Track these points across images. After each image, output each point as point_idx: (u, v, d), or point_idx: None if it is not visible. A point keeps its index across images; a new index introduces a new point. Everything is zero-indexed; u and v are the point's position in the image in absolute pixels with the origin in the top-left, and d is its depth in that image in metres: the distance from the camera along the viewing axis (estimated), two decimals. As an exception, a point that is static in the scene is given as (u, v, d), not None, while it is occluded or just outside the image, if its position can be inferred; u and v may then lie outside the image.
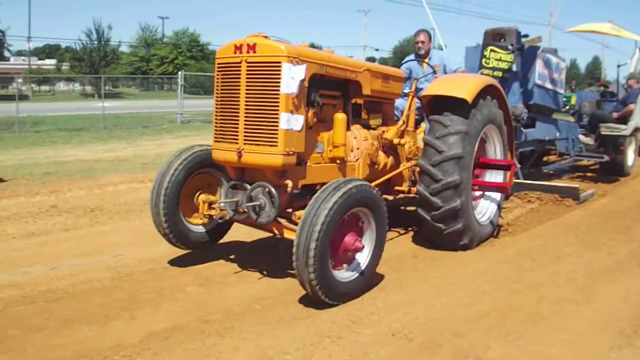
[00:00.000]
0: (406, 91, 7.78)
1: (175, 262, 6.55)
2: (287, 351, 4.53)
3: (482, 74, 10.09)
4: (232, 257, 6.80)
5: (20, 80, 46.82)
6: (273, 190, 5.60)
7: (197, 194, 6.49)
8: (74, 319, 5.08)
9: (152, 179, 11.58)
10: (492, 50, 10.52)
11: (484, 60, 10.57)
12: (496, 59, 10.47)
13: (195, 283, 6.03)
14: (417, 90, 7.89)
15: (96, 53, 60.50)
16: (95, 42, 61.24)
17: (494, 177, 8.22)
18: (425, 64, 8.88)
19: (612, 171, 13.55)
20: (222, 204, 6.12)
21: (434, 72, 8.58)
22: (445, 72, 8.89)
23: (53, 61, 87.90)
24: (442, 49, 11.60)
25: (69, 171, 12.89)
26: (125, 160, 15.03)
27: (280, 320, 5.13)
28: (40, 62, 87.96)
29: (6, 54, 69.07)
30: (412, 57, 9.33)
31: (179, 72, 31.35)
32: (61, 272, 6.31)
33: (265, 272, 6.31)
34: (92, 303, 5.45)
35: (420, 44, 9.03)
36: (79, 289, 5.83)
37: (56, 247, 7.27)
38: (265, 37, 5.71)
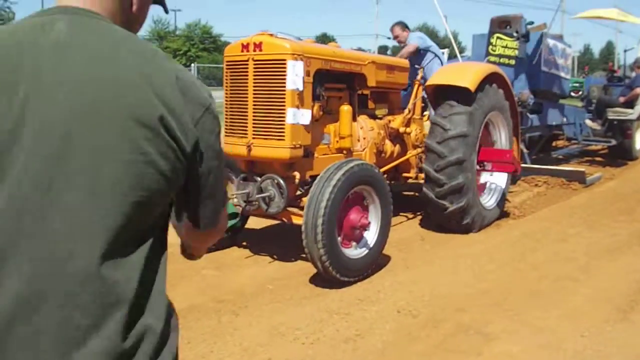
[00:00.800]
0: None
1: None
2: (298, 327, 4.79)
3: (488, 61, 10.26)
4: (244, 243, 7.05)
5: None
6: (282, 181, 5.87)
7: None
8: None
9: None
10: (498, 38, 10.68)
11: (490, 47, 10.73)
12: (502, 46, 10.64)
13: (210, 267, 6.30)
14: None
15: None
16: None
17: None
18: None
19: (620, 155, 13.67)
20: (234, 197, 6.40)
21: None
22: (420, 50, 9.08)
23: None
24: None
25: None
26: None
27: (291, 299, 5.40)
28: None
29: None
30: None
31: (192, 65, 31.62)
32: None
33: (276, 256, 6.57)
34: (113, 285, 5.72)
35: (396, 38, 9.41)
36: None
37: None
38: (271, 35, 5.99)
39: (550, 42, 11.42)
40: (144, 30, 76.76)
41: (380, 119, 7.48)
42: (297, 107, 5.80)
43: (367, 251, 5.91)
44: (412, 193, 9.39)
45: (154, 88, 1.41)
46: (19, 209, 1.34)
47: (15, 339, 1.33)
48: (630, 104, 13.30)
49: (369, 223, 5.92)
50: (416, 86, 7.92)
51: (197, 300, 5.38)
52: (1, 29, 1.51)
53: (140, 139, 1.39)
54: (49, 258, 1.34)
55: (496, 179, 8.27)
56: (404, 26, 9.48)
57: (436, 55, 8.96)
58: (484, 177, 8.21)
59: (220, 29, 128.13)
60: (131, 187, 1.38)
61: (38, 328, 1.33)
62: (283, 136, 5.81)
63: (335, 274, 5.50)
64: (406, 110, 7.70)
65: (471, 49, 12.06)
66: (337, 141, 6.58)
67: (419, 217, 8.33)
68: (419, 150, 7.72)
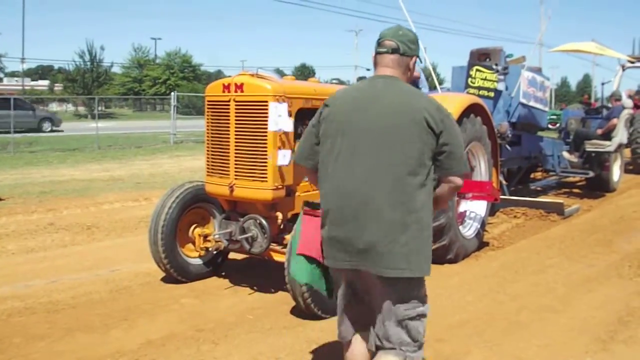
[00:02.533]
0: None
1: (171, 276, 6.77)
2: (278, 357, 4.78)
3: (468, 93, 10.34)
4: (224, 273, 7.03)
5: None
6: (264, 222, 5.91)
7: (193, 228, 6.73)
8: (74, 328, 5.33)
9: (146, 198, 11.93)
10: (477, 70, 10.76)
11: (469, 79, 10.80)
12: (482, 79, 10.72)
13: (190, 295, 6.28)
14: None
15: (89, 74, 60.52)
16: (88, 63, 61.30)
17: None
18: None
19: (598, 187, 13.77)
20: (216, 236, 6.38)
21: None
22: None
23: (46, 82, 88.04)
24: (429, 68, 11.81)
25: (64, 190, 13.11)
26: (119, 180, 15.24)
27: (271, 328, 5.38)
28: (33, 83, 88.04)
29: (0, 75, 69.37)
30: None
31: (172, 93, 31.61)
32: (61, 285, 6.55)
33: (256, 287, 6.54)
34: (92, 313, 5.70)
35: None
36: (78, 300, 6.08)
37: (55, 262, 7.51)
38: (252, 75, 6.02)
39: (529, 74, 11.52)
40: (124, 58, 76.78)
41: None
42: (279, 148, 5.82)
43: None
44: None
45: (422, 106, 3.23)
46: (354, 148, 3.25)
47: (367, 212, 3.18)
48: (607, 136, 13.45)
49: None
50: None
51: (177, 329, 5.35)
52: (354, 85, 3.74)
53: (416, 129, 3.19)
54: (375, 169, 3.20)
55: (475, 208, 8.33)
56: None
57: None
58: (464, 206, 8.26)
59: (200, 59, 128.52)
60: (411, 155, 3.18)
61: (378, 207, 3.16)
62: (265, 178, 5.83)
63: (317, 311, 5.48)
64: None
65: (450, 80, 12.14)
66: None
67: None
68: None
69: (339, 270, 3.43)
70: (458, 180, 3.38)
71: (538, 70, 12.72)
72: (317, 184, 3.42)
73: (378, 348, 3.40)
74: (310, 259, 3.58)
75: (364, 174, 3.18)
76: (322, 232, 3.36)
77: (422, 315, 3.47)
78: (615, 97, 14.52)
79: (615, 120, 13.51)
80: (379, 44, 3.39)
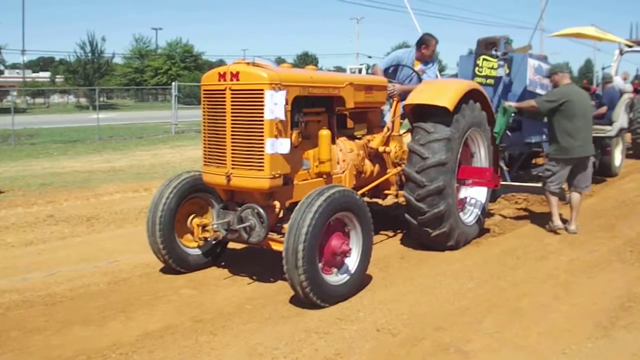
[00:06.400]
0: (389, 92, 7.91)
1: (169, 267, 6.74)
2: (276, 346, 4.75)
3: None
4: (223, 262, 7.01)
5: (14, 93, 46.94)
6: (262, 211, 5.85)
7: (191, 218, 6.70)
8: (72, 320, 5.31)
9: (146, 189, 11.90)
10: (484, 59, 10.76)
11: (477, 69, 10.81)
12: (488, 67, 10.71)
13: (189, 286, 6.25)
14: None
15: (90, 65, 60.49)
16: (89, 54, 61.24)
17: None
18: (417, 64, 8.94)
19: (599, 172, 13.68)
20: (214, 226, 6.34)
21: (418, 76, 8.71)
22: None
23: (47, 74, 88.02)
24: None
25: (65, 182, 13.09)
26: (120, 171, 15.22)
27: (269, 318, 5.36)
28: (34, 74, 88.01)
29: (0, 67, 69.32)
30: (412, 51, 9.07)
31: (173, 83, 31.57)
32: (59, 277, 6.53)
33: (255, 277, 6.52)
34: (90, 306, 5.68)
35: (427, 54, 8.97)
36: (76, 293, 6.06)
37: (54, 254, 7.49)
38: (248, 63, 5.94)
39: (535, 62, 11.46)
40: (125, 49, 76.72)
41: (359, 139, 7.47)
42: (276, 136, 5.76)
43: (348, 277, 5.86)
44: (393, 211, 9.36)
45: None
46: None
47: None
48: (609, 121, 13.39)
49: (350, 249, 5.88)
50: (395, 103, 7.90)
51: (175, 320, 5.32)
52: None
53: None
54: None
55: (476, 194, 8.29)
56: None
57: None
58: (464, 192, 8.22)
59: (202, 49, 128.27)
60: None
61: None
62: (262, 166, 5.77)
63: (315, 300, 5.45)
64: (385, 129, 7.67)
65: (457, 69, 12.11)
66: (317, 166, 6.55)
67: (399, 235, 8.30)
68: (399, 168, 7.70)
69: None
70: None
71: (544, 59, 12.67)
72: None
73: None
74: None
75: None
76: None
77: None
78: (606, 79, 14.46)
79: (604, 109, 13.48)
80: None
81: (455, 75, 12.23)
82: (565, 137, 8.41)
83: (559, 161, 8.56)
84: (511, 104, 9.31)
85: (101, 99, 53.14)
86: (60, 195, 11.41)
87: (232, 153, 5.93)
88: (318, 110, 6.77)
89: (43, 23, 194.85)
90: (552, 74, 8.92)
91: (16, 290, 6.12)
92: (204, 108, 6.20)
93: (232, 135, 5.91)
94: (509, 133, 10.78)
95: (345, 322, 5.22)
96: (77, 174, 14.58)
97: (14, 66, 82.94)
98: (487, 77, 10.66)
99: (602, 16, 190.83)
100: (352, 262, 5.94)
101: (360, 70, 31.88)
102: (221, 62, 74.03)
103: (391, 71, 8.76)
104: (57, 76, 78.35)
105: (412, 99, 7.50)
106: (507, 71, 10.67)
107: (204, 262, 6.78)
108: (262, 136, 5.74)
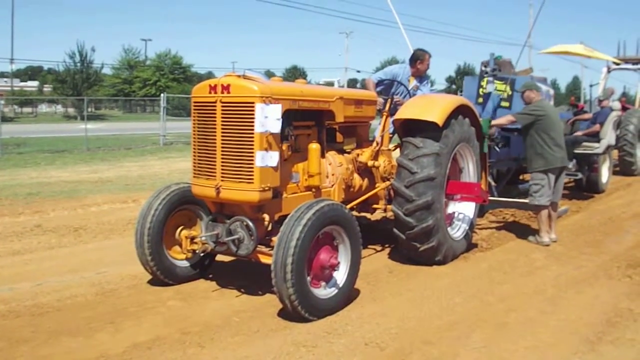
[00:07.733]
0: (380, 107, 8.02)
1: (157, 278, 6.71)
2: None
3: (478, 102, 10.99)
4: (211, 275, 6.99)
5: (2, 102, 46.73)
6: (251, 223, 5.85)
7: (179, 230, 6.68)
8: (59, 331, 5.28)
9: (135, 200, 11.87)
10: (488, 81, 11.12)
11: (481, 89, 11.15)
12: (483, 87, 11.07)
13: (177, 298, 6.23)
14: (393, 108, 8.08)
15: (79, 75, 60.29)
16: (78, 64, 61.07)
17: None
18: (412, 80, 9.07)
19: (587, 188, 13.81)
20: (203, 238, 6.33)
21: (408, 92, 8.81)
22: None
23: (35, 83, 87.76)
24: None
25: (52, 192, 13.03)
26: (108, 182, 15.17)
27: (258, 331, 5.35)
28: (22, 83, 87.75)
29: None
30: (407, 67, 9.36)
31: (162, 94, 31.54)
32: (46, 288, 6.50)
33: (243, 290, 6.51)
34: (77, 316, 5.65)
35: (422, 69, 9.15)
36: (64, 303, 6.02)
37: (41, 264, 7.45)
38: (239, 76, 5.96)
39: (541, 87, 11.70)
40: (114, 59, 76.61)
41: (349, 153, 7.50)
42: (266, 149, 5.76)
43: (336, 291, 5.86)
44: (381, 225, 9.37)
45: None
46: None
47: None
48: (596, 138, 13.48)
49: (339, 263, 5.89)
50: (384, 118, 7.94)
51: (163, 332, 5.30)
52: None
53: None
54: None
55: (464, 209, 8.31)
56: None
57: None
58: (452, 207, 8.24)
59: (191, 60, 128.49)
60: None
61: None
62: (252, 179, 5.77)
63: (304, 314, 5.44)
64: (374, 143, 7.70)
65: (463, 89, 12.44)
66: (306, 179, 6.57)
67: (388, 249, 8.31)
68: (388, 183, 7.71)
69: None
70: None
71: (543, 80, 12.85)
72: None
73: None
74: None
75: None
76: None
77: None
78: (600, 98, 14.57)
79: (597, 126, 13.59)
80: None
81: (452, 92, 12.53)
82: (547, 149, 8.66)
83: (545, 173, 8.70)
84: (493, 122, 9.47)
85: (89, 109, 53.05)
86: (48, 205, 11.35)
87: (222, 165, 5.93)
88: (308, 124, 6.79)
89: (32, 32, 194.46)
90: (526, 90, 9.04)
91: (3, 300, 6.08)
92: (194, 120, 6.21)
93: (222, 147, 5.92)
94: (497, 148, 10.87)
95: (333, 336, 5.21)
96: (64, 184, 14.51)
97: (1, 75, 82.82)
98: (481, 95, 11.02)
99: (590, 33, 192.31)
100: (340, 275, 5.94)
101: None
102: (210, 74, 74.17)
103: (384, 86, 8.84)
104: (45, 85, 78.10)
105: (401, 114, 7.52)
106: (510, 92, 10.86)
107: (192, 274, 6.76)
108: (252, 149, 5.74)
